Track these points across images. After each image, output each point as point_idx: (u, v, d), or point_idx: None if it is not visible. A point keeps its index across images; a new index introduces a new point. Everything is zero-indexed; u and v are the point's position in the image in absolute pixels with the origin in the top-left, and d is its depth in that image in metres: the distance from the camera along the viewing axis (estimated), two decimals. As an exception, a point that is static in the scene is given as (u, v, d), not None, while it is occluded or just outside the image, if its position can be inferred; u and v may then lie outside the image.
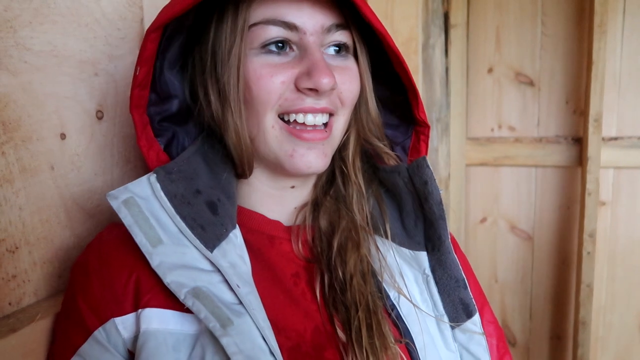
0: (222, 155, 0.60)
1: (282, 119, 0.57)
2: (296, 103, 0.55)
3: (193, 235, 0.52)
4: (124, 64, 0.68)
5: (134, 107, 0.56)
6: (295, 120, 0.56)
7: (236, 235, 0.56)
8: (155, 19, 0.54)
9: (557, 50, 1.55)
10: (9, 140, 0.55)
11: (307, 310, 0.57)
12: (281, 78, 0.54)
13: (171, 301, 0.50)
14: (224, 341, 0.46)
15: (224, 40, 0.55)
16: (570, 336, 1.57)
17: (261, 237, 0.60)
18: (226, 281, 0.51)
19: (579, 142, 1.53)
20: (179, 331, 0.50)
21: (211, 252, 0.52)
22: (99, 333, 0.52)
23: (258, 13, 0.54)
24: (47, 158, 0.59)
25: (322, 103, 0.56)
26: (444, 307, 0.62)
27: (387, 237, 0.63)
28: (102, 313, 0.52)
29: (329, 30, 0.56)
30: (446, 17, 1.60)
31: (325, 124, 0.58)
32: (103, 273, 0.53)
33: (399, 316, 0.59)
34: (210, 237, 0.53)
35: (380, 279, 0.60)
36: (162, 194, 0.53)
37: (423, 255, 0.64)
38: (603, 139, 1.46)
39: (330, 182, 0.66)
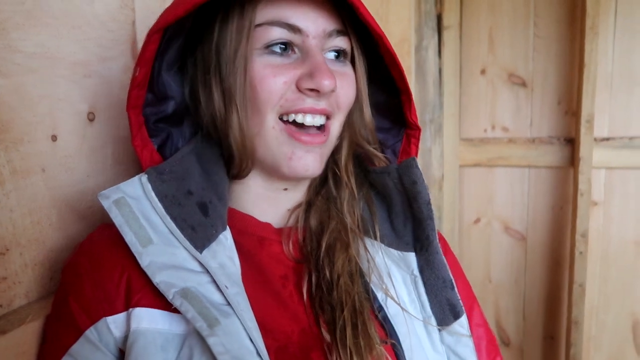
0: (218, 155, 0.61)
1: (282, 120, 0.57)
2: (297, 103, 0.56)
3: (183, 236, 0.53)
4: (116, 65, 0.68)
5: (131, 107, 0.56)
6: (294, 121, 0.57)
7: (226, 237, 0.56)
8: (158, 20, 0.54)
9: (549, 51, 1.56)
10: (0, 142, 0.55)
11: (295, 312, 0.57)
12: (283, 79, 0.55)
13: (160, 301, 0.50)
14: (211, 341, 0.47)
15: (229, 40, 0.55)
16: (563, 336, 1.58)
17: (251, 239, 0.60)
18: (215, 282, 0.51)
19: (571, 142, 1.54)
20: (167, 331, 0.51)
21: (200, 253, 0.52)
22: (90, 332, 0.52)
23: (263, 14, 0.55)
24: (38, 160, 0.59)
25: (322, 104, 0.57)
26: (431, 308, 0.63)
27: (376, 238, 0.64)
28: (94, 313, 0.52)
29: (330, 35, 0.57)
30: (439, 18, 1.61)
31: (322, 127, 0.59)
32: (95, 273, 0.54)
33: (386, 317, 0.59)
34: (200, 238, 0.53)
35: (369, 280, 0.61)
36: (153, 194, 0.53)
37: (411, 256, 0.64)
38: (595, 139, 1.48)
39: (323, 184, 0.67)
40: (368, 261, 0.62)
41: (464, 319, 0.63)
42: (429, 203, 0.62)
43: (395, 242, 0.65)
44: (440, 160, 1.67)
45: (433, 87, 1.62)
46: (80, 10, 0.63)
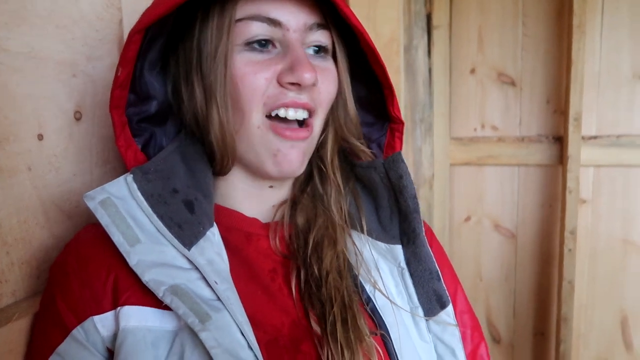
0: (201, 153, 0.61)
1: (267, 117, 0.58)
2: (279, 98, 0.56)
3: (170, 234, 0.53)
4: (102, 65, 0.69)
5: (114, 108, 0.56)
6: (277, 115, 0.57)
7: (214, 234, 0.56)
8: (139, 20, 0.54)
9: (537, 50, 1.57)
10: (-14, 141, 0.55)
11: (284, 305, 0.58)
12: (264, 75, 0.56)
13: (150, 298, 0.51)
14: (203, 336, 0.47)
15: (210, 37, 0.56)
16: (553, 333, 1.59)
17: (239, 234, 0.61)
18: (204, 278, 0.52)
19: (559, 141, 1.55)
20: (158, 328, 0.51)
21: (188, 250, 0.53)
22: (77, 332, 0.52)
23: (243, 10, 0.55)
24: (24, 159, 0.59)
25: (304, 98, 0.57)
26: (419, 299, 0.64)
27: (363, 232, 0.65)
28: (81, 312, 0.52)
29: (310, 28, 0.58)
30: (429, 18, 1.62)
31: (304, 122, 0.59)
32: (82, 272, 0.54)
33: (374, 309, 0.60)
34: (187, 236, 0.54)
35: (357, 273, 0.61)
36: (138, 193, 0.54)
37: (398, 249, 0.65)
38: (583, 137, 1.49)
39: (308, 181, 0.67)
40: (356, 254, 0.62)
41: (450, 309, 0.64)
42: (415, 197, 0.63)
43: (382, 235, 0.66)
44: (431, 159, 1.67)
45: (423, 87, 1.63)
46: (66, 9, 0.63)
